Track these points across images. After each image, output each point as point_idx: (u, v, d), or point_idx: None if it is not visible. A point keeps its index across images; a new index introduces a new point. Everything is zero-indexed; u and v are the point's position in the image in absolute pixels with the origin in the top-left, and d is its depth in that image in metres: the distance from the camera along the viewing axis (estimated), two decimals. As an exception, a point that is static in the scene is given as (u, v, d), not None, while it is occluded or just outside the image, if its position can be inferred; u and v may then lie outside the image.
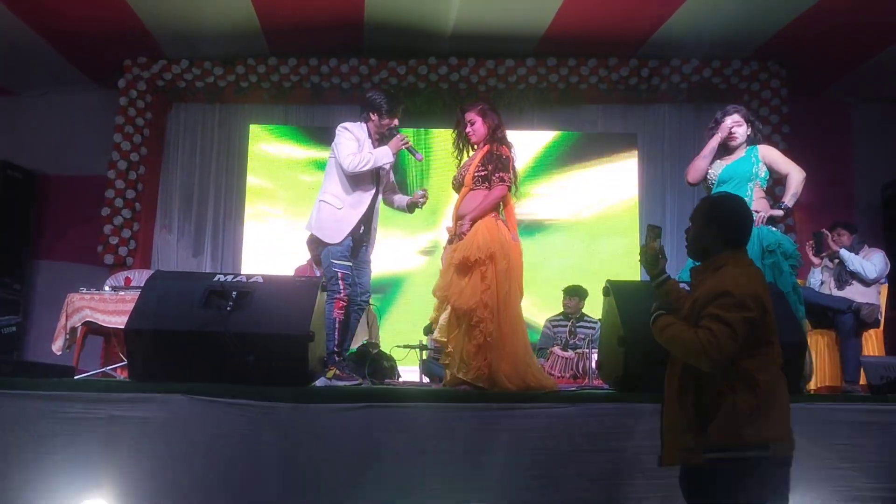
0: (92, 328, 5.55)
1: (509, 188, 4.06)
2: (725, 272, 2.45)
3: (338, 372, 4.03)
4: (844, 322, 5.02)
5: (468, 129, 4.17)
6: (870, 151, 7.58)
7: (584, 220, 7.71)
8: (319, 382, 3.96)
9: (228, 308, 3.41)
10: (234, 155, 7.83)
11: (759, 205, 4.15)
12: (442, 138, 7.76)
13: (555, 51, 7.25)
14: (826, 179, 7.13)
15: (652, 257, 2.83)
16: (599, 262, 7.55)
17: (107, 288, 5.78)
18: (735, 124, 4.29)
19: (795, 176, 4.23)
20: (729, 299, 2.35)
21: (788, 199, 4.25)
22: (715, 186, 4.30)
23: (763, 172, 4.25)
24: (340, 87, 7.53)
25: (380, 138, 4.42)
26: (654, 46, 7.09)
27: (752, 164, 4.24)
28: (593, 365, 5.22)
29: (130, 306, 3.60)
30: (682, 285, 3.46)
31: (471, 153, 4.23)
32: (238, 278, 3.66)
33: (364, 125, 4.40)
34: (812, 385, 5.05)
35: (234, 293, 3.48)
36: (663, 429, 2.51)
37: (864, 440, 3.27)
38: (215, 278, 3.65)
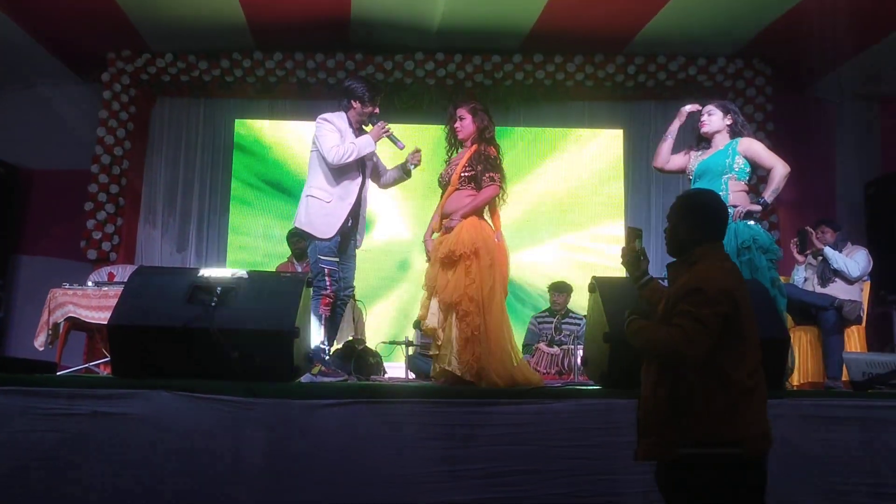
0: (75, 324, 5.50)
1: (500, 188, 4.07)
2: (699, 268, 2.46)
3: (323, 368, 4.02)
4: (827, 319, 5.06)
5: (457, 125, 4.18)
6: (853, 149, 7.64)
7: (570, 216, 7.73)
8: (305, 378, 3.94)
9: (213, 304, 3.39)
10: (218, 150, 7.78)
11: (736, 199, 4.11)
12: (429, 134, 7.75)
13: (541, 47, 7.25)
14: (809, 177, 7.19)
15: (633, 259, 2.83)
16: (585, 258, 7.58)
17: (90, 283, 5.73)
18: (707, 113, 4.29)
19: (779, 171, 4.16)
20: (700, 296, 2.34)
21: (768, 195, 4.18)
22: (693, 181, 4.31)
23: (740, 166, 4.18)
24: (326, 82, 7.50)
25: (360, 127, 4.40)
26: (640, 44, 7.10)
27: (726, 156, 4.20)
28: (579, 361, 5.24)
29: (114, 302, 3.57)
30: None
31: (459, 150, 4.23)
32: (223, 274, 3.63)
33: (344, 114, 4.38)
34: (795, 381, 5.09)
35: (219, 289, 3.46)
36: (639, 423, 2.51)
37: (845, 435, 3.31)
38: (199, 274, 3.62)
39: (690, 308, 2.34)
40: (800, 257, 5.52)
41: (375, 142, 4.32)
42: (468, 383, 3.71)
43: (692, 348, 2.30)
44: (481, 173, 4.01)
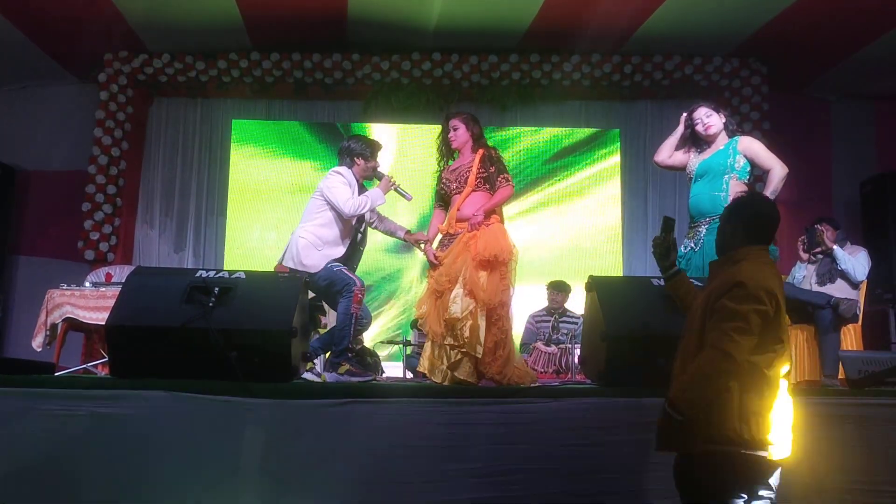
0: (73, 324, 5.50)
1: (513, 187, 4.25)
2: (743, 266, 2.47)
3: (350, 368, 4.04)
4: (823, 317, 5.06)
5: (451, 135, 4.32)
6: (849, 149, 7.67)
7: (567, 215, 7.75)
8: (330, 378, 3.96)
9: (211, 304, 3.39)
10: (216, 150, 7.79)
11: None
12: (425, 133, 7.77)
13: (538, 47, 7.26)
14: (805, 176, 7.20)
15: (664, 249, 2.87)
16: (582, 258, 7.60)
17: (87, 284, 5.73)
18: (705, 116, 4.29)
19: (778, 172, 4.14)
20: (742, 290, 2.36)
21: (768, 194, 4.11)
22: (693, 181, 4.31)
23: (741, 165, 4.17)
24: (323, 82, 7.51)
25: (362, 183, 4.52)
26: (636, 43, 7.12)
27: (727, 156, 4.18)
28: (576, 360, 5.25)
29: (111, 302, 3.58)
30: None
31: (452, 160, 4.37)
32: (220, 274, 3.64)
33: (350, 170, 4.48)
34: (791, 379, 5.10)
35: (217, 289, 3.46)
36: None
37: (841, 433, 3.32)
38: (197, 274, 3.63)
39: (731, 304, 2.35)
40: (804, 255, 5.49)
41: (384, 194, 4.46)
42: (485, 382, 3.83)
43: (733, 346, 2.31)
44: (495, 175, 4.17)
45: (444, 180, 4.33)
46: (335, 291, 4.15)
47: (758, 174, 4.52)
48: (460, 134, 4.29)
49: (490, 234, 4.00)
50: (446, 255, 4.09)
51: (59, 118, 7.62)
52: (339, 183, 4.35)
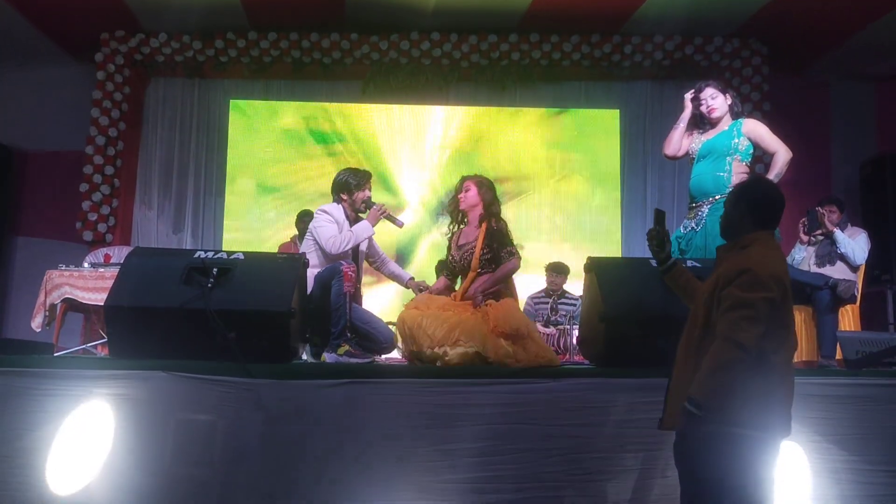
0: (72, 305, 5.50)
1: (520, 258, 4.11)
2: (751, 251, 2.48)
3: (350, 349, 4.03)
4: (821, 298, 5.06)
5: (461, 196, 4.23)
6: (849, 130, 7.65)
7: (566, 196, 7.73)
8: (330, 358, 3.96)
9: (209, 285, 3.38)
10: (213, 130, 7.75)
11: (739, 180, 4.11)
12: (424, 114, 7.74)
13: (538, 27, 7.21)
14: (805, 157, 7.15)
15: (658, 243, 2.86)
16: (581, 239, 7.60)
17: (86, 265, 5.73)
18: (710, 97, 4.28)
19: (782, 155, 4.16)
20: (750, 276, 2.37)
21: (773, 178, 4.14)
22: (695, 161, 4.30)
23: (744, 147, 4.20)
24: (322, 62, 7.46)
25: (356, 217, 4.48)
26: (636, 23, 7.07)
27: (731, 137, 4.20)
28: (574, 341, 5.26)
29: (110, 283, 3.57)
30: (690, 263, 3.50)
31: (462, 224, 4.28)
32: (219, 255, 3.63)
33: (340, 206, 4.44)
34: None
35: (215, 270, 3.45)
36: (669, 392, 2.54)
37: (839, 413, 3.33)
38: (196, 255, 3.62)
39: (739, 292, 2.36)
40: (805, 237, 5.48)
41: (374, 225, 4.40)
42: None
43: (744, 335, 2.32)
44: (498, 251, 4.08)
45: (451, 255, 4.27)
46: (327, 286, 4.06)
47: (758, 155, 4.52)
48: (470, 196, 4.18)
49: (502, 308, 3.77)
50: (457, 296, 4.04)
51: (57, 99, 7.57)
52: (324, 222, 4.33)
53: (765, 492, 2.41)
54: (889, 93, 7.71)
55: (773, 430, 2.39)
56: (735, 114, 4.30)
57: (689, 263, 3.53)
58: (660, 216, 2.92)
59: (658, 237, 2.89)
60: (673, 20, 6.99)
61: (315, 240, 4.34)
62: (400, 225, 4.59)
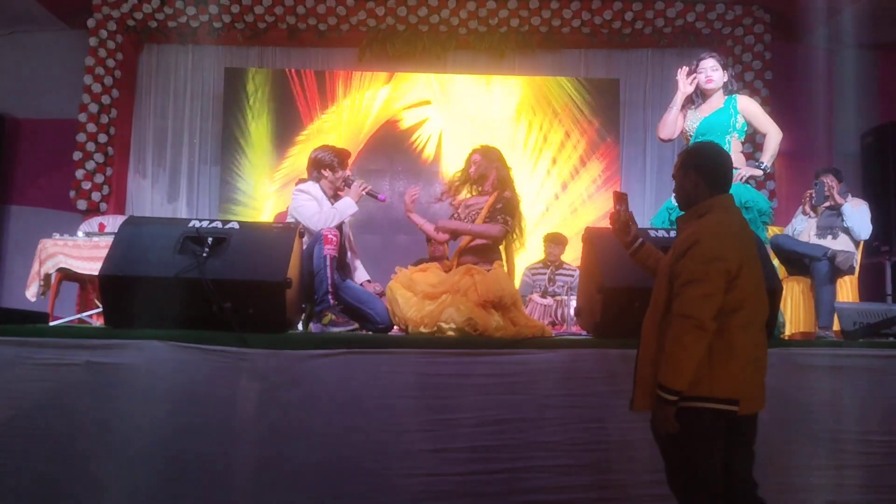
0: (66, 275, 5.48)
1: (508, 230, 4.15)
2: (705, 220, 2.44)
3: (333, 317, 4.00)
4: (819, 269, 5.06)
5: (471, 169, 4.28)
6: (850, 99, 7.56)
7: (564, 165, 7.67)
8: (315, 328, 3.93)
9: (204, 254, 3.35)
10: (208, 98, 7.67)
11: (737, 159, 4.12)
12: (421, 83, 7.64)
13: (537, -8, 7.11)
14: (807, 126, 7.14)
15: (622, 225, 2.82)
16: (580, 209, 7.55)
17: (80, 234, 5.70)
18: (710, 68, 4.24)
19: (774, 136, 4.22)
20: (700, 248, 2.33)
21: (767, 160, 4.24)
22: (693, 139, 4.27)
23: (741, 124, 4.23)
24: (317, 28, 7.36)
25: (334, 194, 4.40)
26: (638, -11, 6.97)
27: (730, 115, 4.21)
28: (571, 312, 5.25)
29: (104, 252, 3.53)
30: (657, 232, 3.48)
31: (468, 193, 4.32)
32: (214, 224, 3.60)
33: (317, 185, 4.35)
34: (787, 331, 5.13)
35: (210, 239, 3.42)
36: (636, 374, 2.53)
37: (836, 384, 3.33)
38: (190, 224, 3.58)
39: (691, 264, 2.32)
40: (809, 209, 5.43)
41: (357, 201, 4.31)
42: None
43: (699, 310, 2.29)
44: (499, 212, 4.13)
45: (455, 214, 4.28)
46: (310, 253, 4.02)
47: (750, 133, 4.50)
48: (480, 166, 4.23)
49: (489, 277, 3.82)
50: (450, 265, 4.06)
51: (49, 65, 7.48)
52: (303, 201, 4.24)
53: (736, 465, 2.42)
54: (892, 62, 7.64)
55: (743, 403, 2.36)
56: (728, 91, 4.28)
57: (659, 233, 3.50)
58: (620, 198, 2.86)
59: (621, 220, 2.84)
60: (675, -14, 6.89)
61: (295, 220, 4.24)
62: (383, 199, 4.53)
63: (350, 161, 4.54)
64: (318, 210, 4.21)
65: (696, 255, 2.33)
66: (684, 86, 4.26)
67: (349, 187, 4.35)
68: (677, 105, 4.29)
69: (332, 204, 4.31)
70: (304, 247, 4.04)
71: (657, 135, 4.47)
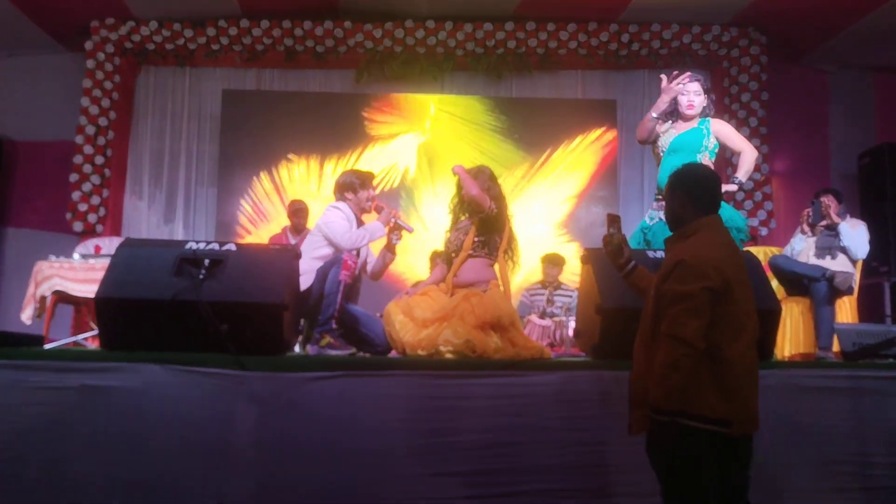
0: (62, 297, 5.45)
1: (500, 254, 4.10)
2: (692, 241, 2.44)
3: (332, 340, 3.99)
4: (818, 290, 5.05)
5: (463, 191, 4.15)
6: (847, 120, 7.63)
7: (562, 186, 7.67)
8: (312, 350, 3.91)
9: (201, 276, 3.34)
10: (205, 120, 7.68)
11: None
12: (417, 104, 7.66)
13: (534, 15, 7.16)
14: (803, 147, 7.18)
15: (615, 248, 2.80)
16: (577, 231, 7.55)
17: (76, 256, 5.68)
18: (694, 93, 4.28)
19: (749, 153, 4.29)
20: (684, 269, 2.32)
21: (742, 175, 4.30)
22: (665, 154, 4.31)
23: (713, 145, 4.28)
24: (315, 50, 7.39)
25: (359, 216, 4.45)
26: (634, 11, 7.02)
27: (703, 135, 4.27)
28: (570, 333, 5.23)
29: (101, 274, 3.51)
30: (655, 253, 3.47)
31: (461, 218, 4.24)
32: (211, 246, 3.58)
33: (347, 205, 4.41)
34: (786, 352, 5.11)
35: (207, 261, 3.41)
36: (631, 396, 2.50)
37: (835, 406, 3.31)
38: (187, 246, 3.57)
39: (677, 285, 2.31)
40: (807, 228, 5.43)
41: (385, 225, 4.36)
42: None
43: (686, 330, 2.26)
44: (492, 235, 4.07)
45: (447, 239, 4.23)
46: (326, 275, 4.02)
47: (727, 157, 4.52)
48: (468, 186, 4.05)
49: (486, 298, 3.80)
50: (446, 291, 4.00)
51: (47, 87, 7.50)
52: (336, 217, 4.29)
53: (731, 488, 2.39)
54: (888, 82, 7.69)
55: (736, 424, 2.33)
56: (704, 113, 4.32)
57: (658, 254, 3.49)
58: (613, 220, 2.85)
59: (614, 242, 2.82)
60: (670, 9, 6.95)
61: (324, 235, 4.27)
62: (410, 230, 4.52)
63: (374, 182, 4.57)
64: (348, 228, 4.27)
65: (682, 275, 2.32)
66: (668, 93, 4.29)
67: (378, 213, 4.41)
68: (657, 114, 4.32)
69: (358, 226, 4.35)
70: (323, 263, 4.09)
71: (637, 137, 4.55)
